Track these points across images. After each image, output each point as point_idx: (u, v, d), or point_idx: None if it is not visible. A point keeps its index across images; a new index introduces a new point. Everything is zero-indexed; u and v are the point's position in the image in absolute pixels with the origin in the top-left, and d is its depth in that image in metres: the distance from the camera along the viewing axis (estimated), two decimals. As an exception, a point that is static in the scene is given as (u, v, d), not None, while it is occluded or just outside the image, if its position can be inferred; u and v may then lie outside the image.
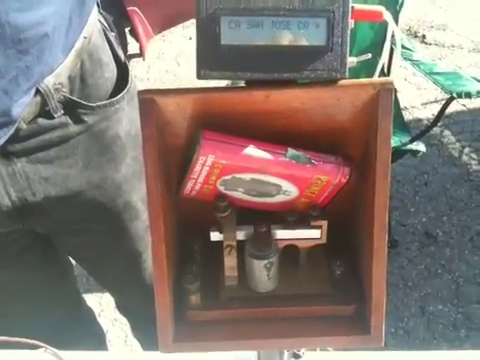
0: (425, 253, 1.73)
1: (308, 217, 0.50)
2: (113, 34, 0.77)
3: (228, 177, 0.48)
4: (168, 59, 3.10)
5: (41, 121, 0.67)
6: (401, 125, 1.81)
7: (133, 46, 2.94)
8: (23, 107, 0.63)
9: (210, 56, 0.43)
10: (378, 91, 0.45)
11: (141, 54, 3.01)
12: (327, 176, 0.48)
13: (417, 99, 2.60)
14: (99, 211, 0.77)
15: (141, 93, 0.45)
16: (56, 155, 0.70)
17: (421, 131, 1.80)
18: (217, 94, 0.46)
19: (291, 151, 0.47)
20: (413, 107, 2.57)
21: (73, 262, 0.97)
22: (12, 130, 0.63)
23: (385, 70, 1.99)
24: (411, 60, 1.90)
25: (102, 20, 0.75)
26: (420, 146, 1.69)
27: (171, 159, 0.50)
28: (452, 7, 3.51)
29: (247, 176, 0.48)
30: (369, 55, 0.46)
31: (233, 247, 0.49)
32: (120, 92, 0.74)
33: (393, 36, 1.69)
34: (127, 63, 0.78)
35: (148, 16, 2.75)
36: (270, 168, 0.47)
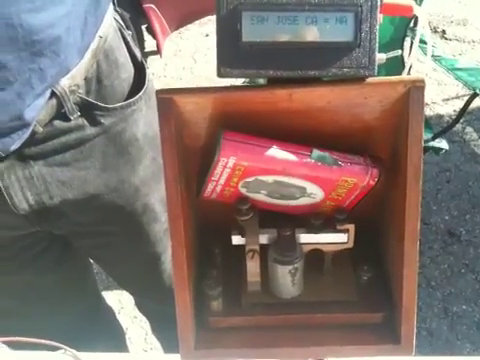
0: (448, 252, 1.69)
1: (334, 220, 0.48)
2: (130, 33, 0.75)
3: (250, 179, 0.46)
4: (185, 56, 3.09)
5: (57, 123, 0.66)
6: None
7: (150, 43, 2.94)
8: (37, 110, 0.62)
9: (231, 54, 0.42)
10: (409, 89, 0.43)
11: (158, 51, 3.01)
12: (354, 178, 0.46)
13: (438, 95, 2.56)
14: (117, 214, 0.76)
15: (159, 92, 0.44)
16: (73, 158, 0.69)
17: (443, 128, 1.77)
18: (238, 93, 0.44)
19: (316, 152, 0.45)
20: (434, 103, 2.52)
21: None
22: (27, 134, 0.62)
23: (404, 64, 1.97)
24: (432, 56, 1.87)
25: (118, 18, 0.73)
26: (443, 143, 1.66)
27: (191, 161, 0.49)
28: (472, 2, 3.44)
29: (270, 178, 0.46)
30: (399, 51, 0.44)
31: (256, 251, 0.47)
32: (137, 93, 0.73)
33: (415, 28, 1.65)
34: (144, 62, 0.76)
35: (165, 13, 2.74)
36: (294, 170, 0.45)
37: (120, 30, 0.72)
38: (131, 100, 0.71)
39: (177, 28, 2.94)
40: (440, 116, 2.42)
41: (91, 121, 0.68)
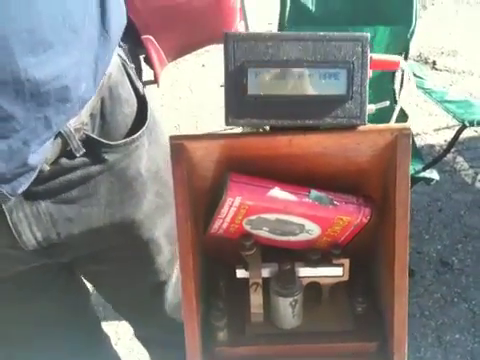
0: (441, 281, 1.72)
1: (330, 255, 0.52)
2: (132, 66, 0.76)
3: (254, 217, 0.50)
4: (182, 86, 3.15)
5: (63, 161, 0.67)
6: (414, 152, 1.83)
7: (147, 73, 2.98)
8: (43, 154, 0.62)
9: (238, 105, 0.46)
10: (396, 137, 0.48)
11: (155, 81, 3.05)
12: (349, 216, 0.50)
13: (429, 125, 2.62)
14: (121, 247, 0.78)
15: (172, 138, 0.48)
16: (79, 195, 0.70)
17: (434, 159, 1.81)
18: (243, 139, 0.48)
19: (314, 192, 0.49)
20: (425, 133, 2.58)
21: (91, 290, 0.98)
22: (34, 176, 0.63)
23: (396, 97, 2.03)
24: (422, 88, 1.93)
25: (121, 53, 0.73)
26: (433, 174, 1.70)
27: (198, 199, 0.53)
28: (462, 33, 3.55)
29: (272, 216, 0.50)
30: (387, 102, 0.49)
31: (259, 284, 0.51)
32: (140, 127, 0.74)
33: (406, 61, 1.71)
34: (146, 96, 0.77)
35: (162, 44, 2.80)
36: (294, 209, 0.49)
37: (123, 65, 0.73)
38: (134, 136, 0.72)
39: (174, 59, 3.01)
40: (431, 146, 2.47)
41: (96, 158, 0.69)
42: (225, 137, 0.48)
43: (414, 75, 2.05)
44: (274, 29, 3.79)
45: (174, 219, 0.79)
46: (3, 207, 0.65)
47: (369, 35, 0.46)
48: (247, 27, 2.61)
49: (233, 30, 2.98)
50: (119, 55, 0.72)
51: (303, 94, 0.46)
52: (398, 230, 0.48)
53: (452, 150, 1.91)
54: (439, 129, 2.58)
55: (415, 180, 1.69)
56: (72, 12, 0.58)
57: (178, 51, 2.86)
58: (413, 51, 3.00)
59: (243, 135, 0.48)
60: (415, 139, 2.17)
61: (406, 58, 2.05)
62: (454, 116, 1.74)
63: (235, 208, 0.49)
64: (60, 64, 0.58)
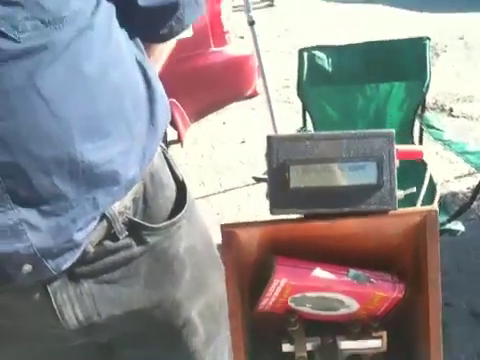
0: (473, 334, 1.71)
1: (369, 328, 0.56)
2: (170, 155, 0.81)
3: (298, 295, 0.55)
4: (204, 144, 3.25)
5: (107, 243, 0.70)
6: (437, 204, 1.85)
7: (171, 133, 3.09)
8: (88, 232, 0.66)
9: (281, 197, 0.52)
10: (424, 217, 0.53)
11: (179, 141, 3.15)
12: (385, 293, 0.55)
13: (451, 173, 2.65)
14: (159, 328, 0.79)
15: (224, 227, 0.54)
16: (121, 275, 0.73)
17: (458, 209, 1.83)
18: (287, 225, 0.54)
19: (352, 271, 0.54)
20: (447, 181, 2.60)
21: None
22: (78, 253, 0.66)
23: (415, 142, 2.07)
24: (442, 140, 1.97)
25: (160, 142, 0.77)
26: (458, 225, 1.71)
27: (244, 277, 0.58)
28: (477, 78, 3.62)
29: (314, 294, 0.55)
30: (414, 189, 0.54)
31: (304, 358, 0.55)
32: (180, 210, 0.77)
33: (423, 114, 1.82)
34: (185, 181, 0.81)
35: (186, 106, 2.93)
36: (334, 287, 0.54)
37: (163, 152, 0.79)
38: (175, 219, 0.76)
39: (197, 119, 3.13)
40: (454, 194, 2.49)
41: (138, 240, 0.73)
42: (271, 223, 0.54)
43: (432, 127, 2.10)
44: (291, 84, 3.92)
45: (209, 299, 0.82)
46: (48, 289, 0.68)
47: (394, 131, 0.52)
48: (265, 84, 2.73)
49: (252, 88, 3.11)
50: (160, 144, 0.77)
51: (339, 185, 0.52)
52: (431, 304, 0.53)
53: (477, 197, 1.93)
54: (461, 177, 2.61)
55: (440, 232, 1.72)
56: (127, 107, 0.65)
57: (201, 112, 2.99)
58: (429, 98, 3.07)
59: (287, 221, 0.54)
60: (437, 188, 2.19)
61: (422, 111, 2.12)
62: (475, 167, 1.77)
63: (280, 288, 0.54)
64: (113, 151, 0.64)
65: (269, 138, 0.52)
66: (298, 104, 2.20)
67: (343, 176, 0.52)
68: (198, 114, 3.05)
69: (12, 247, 0.60)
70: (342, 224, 0.53)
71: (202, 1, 0.76)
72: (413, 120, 2.08)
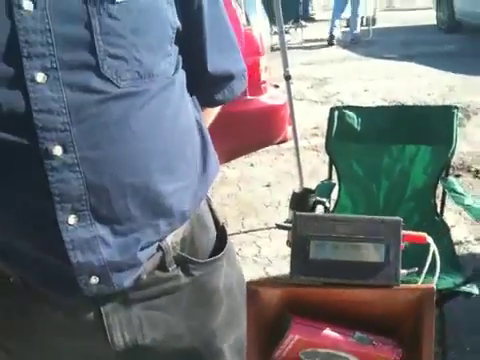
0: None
1: (370, 385, 0.65)
2: (212, 202, 0.94)
3: (309, 349, 0.65)
4: (230, 183, 3.37)
5: (158, 273, 0.79)
6: (454, 265, 1.86)
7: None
8: (147, 255, 0.75)
9: (301, 265, 0.63)
10: (423, 294, 0.63)
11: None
12: (384, 355, 0.64)
13: (471, 233, 2.68)
14: (194, 356, 0.88)
15: (249, 284, 0.64)
16: (166, 303, 0.81)
17: (474, 273, 1.86)
18: (303, 289, 0.64)
19: (358, 334, 0.64)
20: (467, 242, 2.63)
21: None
22: (137, 273, 0.75)
23: (437, 209, 2.12)
24: (463, 205, 2.02)
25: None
26: (473, 288, 1.74)
27: (263, 326, 0.68)
28: (503, 139, 3.65)
29: (323, 350, 0.64)
30: (416, 269, 0.64)
31: (311, 406, 0.64)
32: (220, 250, 0.87)
33: (447, 178, 1.91)
34: (225, 227, 0.93)
35: (218, 148, 3.04)
36: (341, 346, 0.64)
37: (207, 200, 0.91)
38: (217, 256, 0.87)
39: (227, 160, 3.25)
40: (473, 255, 2.52)
41: (185, 272, 0.83)
42: (291, 285, 0.64)
43: (454, 191, 2.16)
44: (319, 132, 4.02)
45: (238, 335, 0.92)
46: (101, 310, 0.77)
47: (402, 220, 0.62)
48: (295, 131, 2.85)
49: (282, 135, 3.23)
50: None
51: (352, 260, 0.62)
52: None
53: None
54: (482, 239, 2.63)
55: (454, 294, 1.75)
56: (188, 152, 0.79)
57: (231, 154, 3.11)
58: (455, 159, 3.12)
59: (304, 286, 0.64)
60: (456, 248, 2.22)
61: (447, 174, 2.18)
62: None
63: (294, 342, 0.64)
64: (175, 186, 0.76)
65: (296, 216, 0.63)
66: (324, 152, 2.28)
67: (356, 253, 0.62)
68: (228, 156, 3.17)
69: (87, 258, 0.69)
70: (352, 293, 0.63)
71: (246, 78, 0.91)
72: (436, 182, 2.13)
